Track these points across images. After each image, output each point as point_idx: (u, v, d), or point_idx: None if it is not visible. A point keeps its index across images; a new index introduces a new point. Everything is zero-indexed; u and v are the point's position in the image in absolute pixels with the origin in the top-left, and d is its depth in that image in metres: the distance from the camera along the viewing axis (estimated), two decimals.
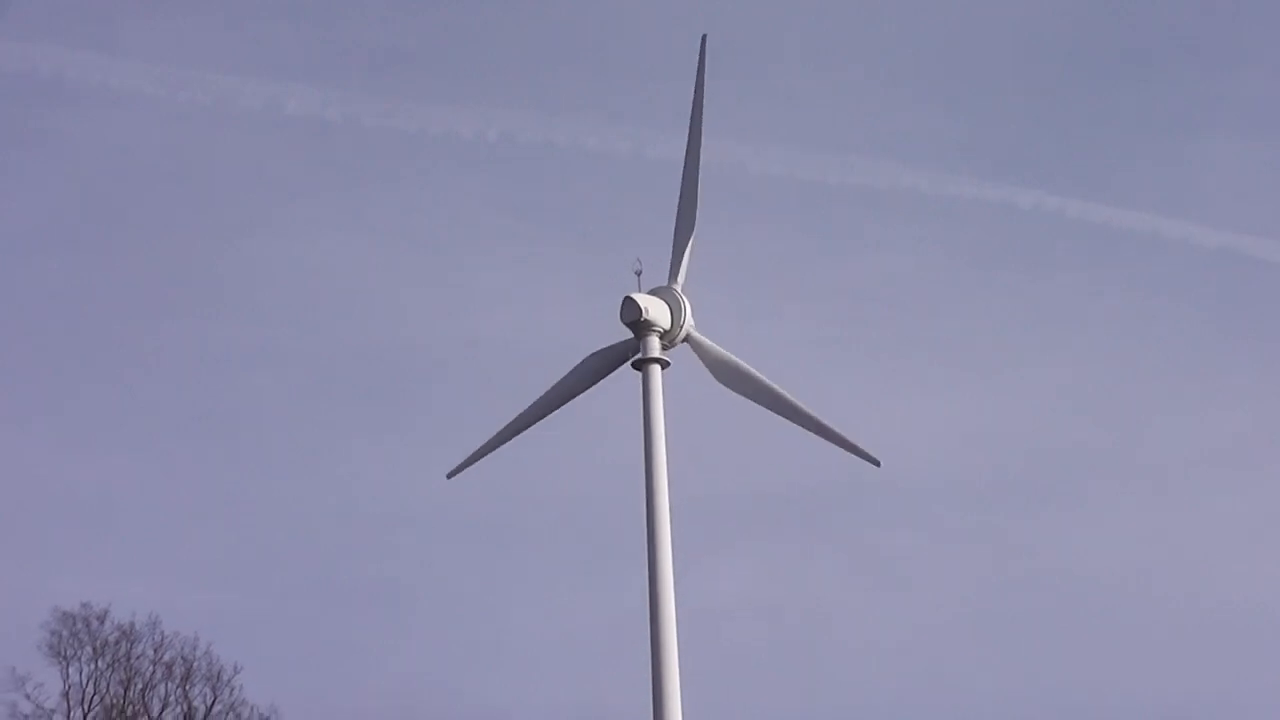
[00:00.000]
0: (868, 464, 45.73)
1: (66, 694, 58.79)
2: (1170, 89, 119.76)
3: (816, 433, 38.66)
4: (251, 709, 61.68)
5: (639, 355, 38.09)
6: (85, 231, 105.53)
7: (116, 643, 60.01)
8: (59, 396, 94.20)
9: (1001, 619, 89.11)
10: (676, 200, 40.28)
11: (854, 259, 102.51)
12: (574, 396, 38.98)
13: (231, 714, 61.03)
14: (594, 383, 38.32)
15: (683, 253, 38.91)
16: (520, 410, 39.22)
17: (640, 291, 39.48)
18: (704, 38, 41.67)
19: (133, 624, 60.87)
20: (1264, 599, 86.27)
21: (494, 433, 39.48)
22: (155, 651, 60.71)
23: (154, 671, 60.54)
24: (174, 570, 79.80)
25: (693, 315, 39.20)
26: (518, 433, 39.43)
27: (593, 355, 38.83)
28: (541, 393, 39.48)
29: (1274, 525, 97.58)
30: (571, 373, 38.42)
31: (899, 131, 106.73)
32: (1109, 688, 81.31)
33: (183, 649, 61.21)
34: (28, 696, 57.70)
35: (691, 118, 40.02)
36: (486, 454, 39.87)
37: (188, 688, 60.90)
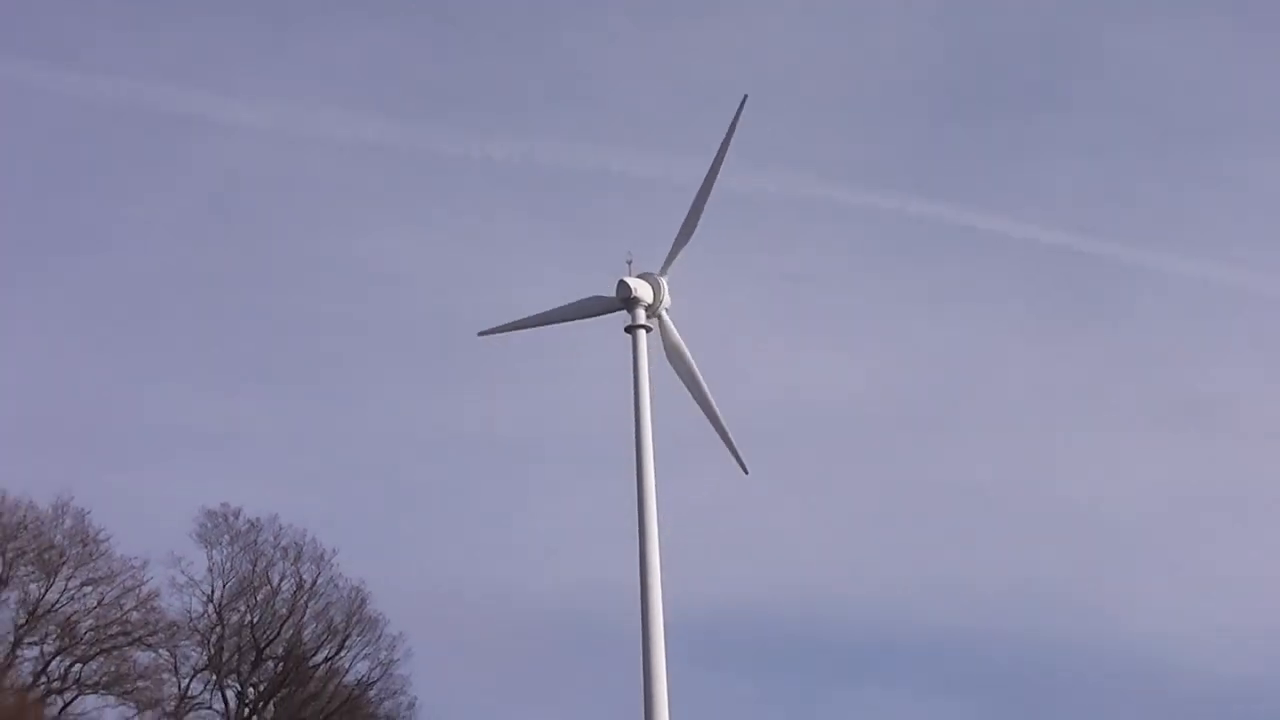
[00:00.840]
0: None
1: (210, 569, 64.14)
2: (1019, 120, 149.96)
3: (712, 424, 48.61)
4: (345, 580, 66.75)
5: (629, 323, 48.54)
6: (215, 232, 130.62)
7: (247, 532, 65.40)
8: (202, 350, 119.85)
9: (894, 515, 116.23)
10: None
11: (788, 253, 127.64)
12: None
13: (331, 585, 66.22)
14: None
15: (677, 253, 48.13)
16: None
17: (630, 276, 50.12)
18: (744, 97, 48.62)
19: (259, 519, 65.77)
20: (1090, 499, 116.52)
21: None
22: (275, 538, 65.82)
23: (274, 553, 65.65)
24: (289, 479, 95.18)
25: (669, 295, 49.33)
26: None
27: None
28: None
29: (1092, 447, 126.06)
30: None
31: (821, 154, 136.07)
32: (973, 564, 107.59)
33: (295, 537, 66.19)
34: (182, 572, 62.84)
35: (716, 157, 47.74)
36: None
37: (299, 565, 65.92)
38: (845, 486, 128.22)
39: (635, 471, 50.31)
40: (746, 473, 48.78)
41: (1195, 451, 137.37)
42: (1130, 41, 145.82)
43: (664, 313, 48.88)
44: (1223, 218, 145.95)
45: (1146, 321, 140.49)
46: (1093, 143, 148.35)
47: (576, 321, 53.87)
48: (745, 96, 47.54)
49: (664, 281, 47.81)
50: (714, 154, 47.34)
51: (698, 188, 48.30)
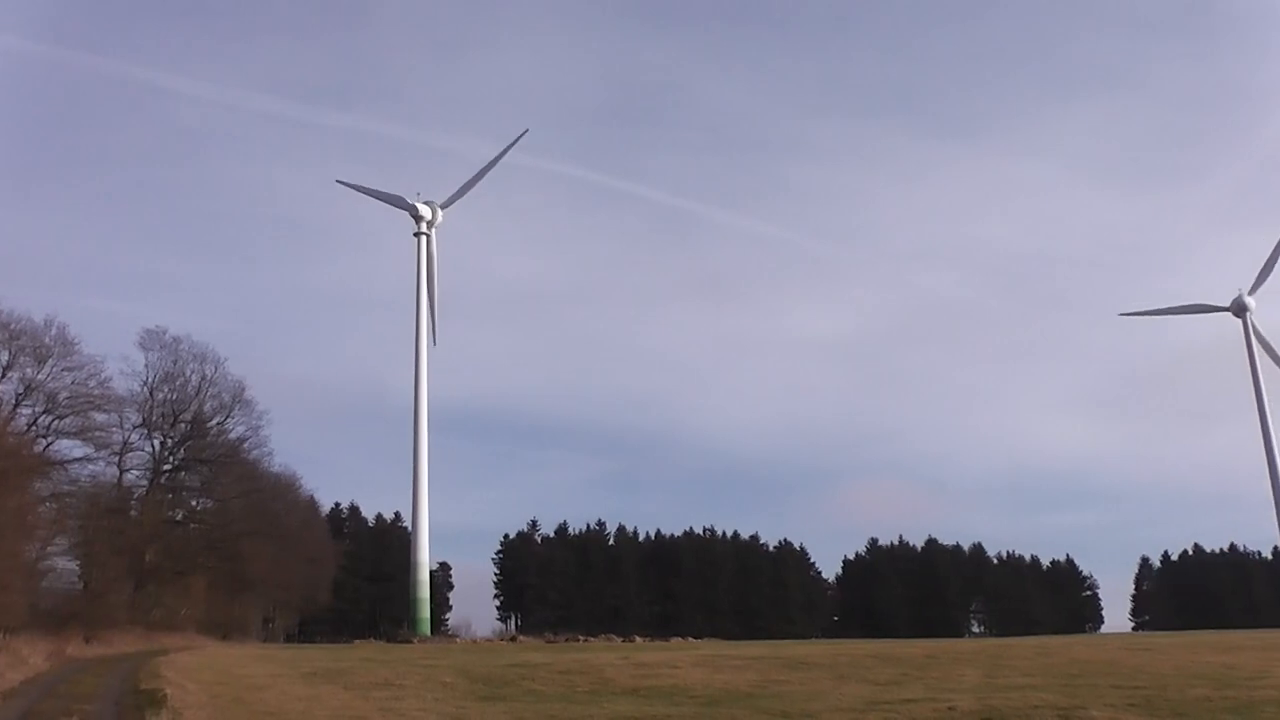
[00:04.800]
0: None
1: (146, 365, 76.09)
2: (656, 127, 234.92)
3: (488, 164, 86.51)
4: (231, 376, 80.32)
5: (418, 230, 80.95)
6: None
7: (171, 344, 78.16)
8: (157, 229, 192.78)
9: (562, 352, 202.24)
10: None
11: (520, 195, 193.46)
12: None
13: (222, 377, 79.78)
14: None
15: (466, 191, 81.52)
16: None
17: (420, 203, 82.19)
18: (525, 130, 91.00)
19: (179, 335, 78.66)
20: (665, 346, 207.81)
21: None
22: (188, 348, 78.95)
23: (188, 357, 78.64)
24: (199, 312, 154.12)
25: (441, 214, 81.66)
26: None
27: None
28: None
29: (671, 319, 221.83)
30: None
31: (541, 144, 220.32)
32: (607, 383, 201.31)
33: (201, 348, 79.45)
34: (128, 365, 73.87)
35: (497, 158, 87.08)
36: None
37: (203, 365, 79.00)
38: (538, 335, 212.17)
39: (414, 319, 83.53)
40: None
41: (725, 318, 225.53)
42: (713, 84, 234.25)
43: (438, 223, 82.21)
44: (765, 197, 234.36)
45: (710, 248, 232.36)
46: (693, 145, 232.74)
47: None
48: (526, 130, 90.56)
49: (439, 208, 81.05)
50: (494, 151, 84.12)
51: (483, 163, 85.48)
